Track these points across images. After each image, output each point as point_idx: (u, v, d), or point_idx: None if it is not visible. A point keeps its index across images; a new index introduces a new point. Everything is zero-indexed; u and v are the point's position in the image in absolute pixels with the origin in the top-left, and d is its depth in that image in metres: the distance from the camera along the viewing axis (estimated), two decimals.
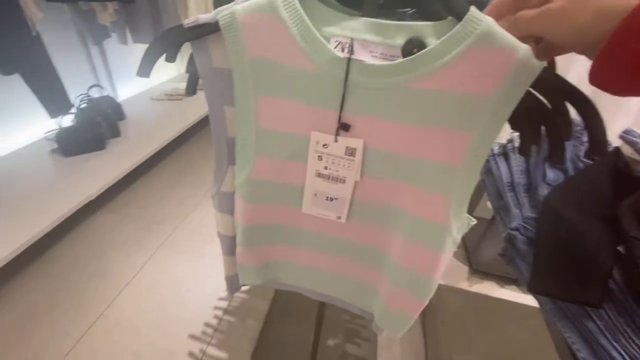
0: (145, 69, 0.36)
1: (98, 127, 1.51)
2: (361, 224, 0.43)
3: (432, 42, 0.31)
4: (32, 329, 1.01)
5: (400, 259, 0.42)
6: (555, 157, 0.33)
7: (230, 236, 0.50)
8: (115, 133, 1.63)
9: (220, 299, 1.14)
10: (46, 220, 1.15)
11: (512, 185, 0.77)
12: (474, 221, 0.42)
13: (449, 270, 1.47)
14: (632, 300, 0.49)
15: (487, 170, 0.84)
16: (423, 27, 0.32)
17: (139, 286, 1.17)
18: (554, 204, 0.62)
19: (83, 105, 1.55)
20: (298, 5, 0.32)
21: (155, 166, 1.79)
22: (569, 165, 0.69)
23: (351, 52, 0.32)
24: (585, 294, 0.52)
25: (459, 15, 0.29)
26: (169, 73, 2.47)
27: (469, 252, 1.39)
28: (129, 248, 1.30)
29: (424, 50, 0.30)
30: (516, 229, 0.67)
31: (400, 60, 0.31)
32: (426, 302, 0.46)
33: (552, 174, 0.73)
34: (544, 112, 0.32)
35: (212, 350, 0.99)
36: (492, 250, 1.47)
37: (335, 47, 0.33)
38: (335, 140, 0.36)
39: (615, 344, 0.48)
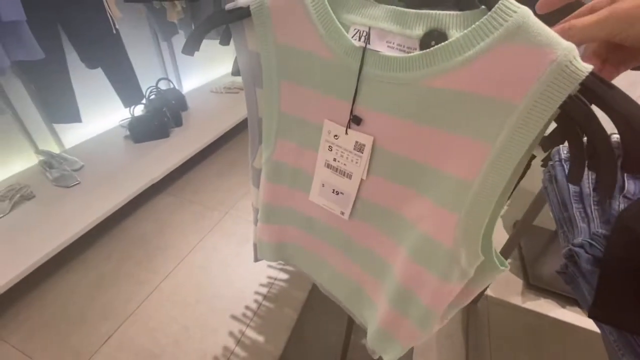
0: (190, 47, 0.38)
1: (163, 117, 1.65)
2: (363, 224, 0.41)
3: (455, 35, 0.27)
4: (101, 293, 1.16)
5: (400, 277, 0.39)
6: (573, 179, 0.27)
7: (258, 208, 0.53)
8: (178, 122, 1.77)
9: (261, 284, 1.19)
10: (118, 197, 1.30)
11: (581, 196, 0.68)
12: (506, 267, 0.35)
13: (500, 281, 1.37)
14: None
15: (551, 177, 0.76)
16: (447, 17, 0.27)
17: (192, 263, 1.27)
18: (631, 221, 0.54)
19: (152, 97, 1.70)
20: None
21: (211, 155, 1.91)
22: None
23: (367, 41, 0.30)
24: None
25: (490, 4, 0.25)
26: (227, 67, 2.61)
27: (526, 264, 1.27)
28: (185, 229, 1.42)
29: (442, 44, 0.27)
30: (581, 246, 0.60)
31: (417, 53, 0.28)
32: (423, 335, 0.41)
33: (632, 186, 0.64)
34: (591, 130, 0.25)
35: (250, 333, 1.04)
36: (554, 265, 1.33)
37: (353, 36, 0.31)
38: (346, 133, 0.36)
39: None
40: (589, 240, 0.60)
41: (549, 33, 0.23)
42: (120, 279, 1.20)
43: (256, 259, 0.63)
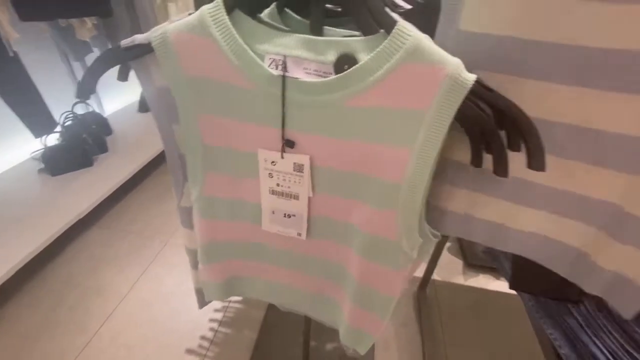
0: (84, 90, 0.36)
1: (84, 144, 1.50)
2: (321, 241, 0.43)
3: (363, 58, 0.31)
4: (29, 351, 1.01)
5: (358, 277, 0.43)
6: (498, 172, 0.33)
7: (195, 249, 0.50)
8: (103, 149, 1.62)
9: (215, 310, 1.13)
10: (37, 240, 1.14)
11: None
12: (438, 237, 0.42)
13: (443, 265, 1.47)
14: None
15: None
16: (354, 43, 0.31)
17: (134, 301, 1.16)
18: None
19: (68, 123, 1.54)
20: (229, 23, 0.31)
21: (144, 180, 1.78)
22: None
23: (285, 69, 0.32)
24: (564, 291, 0.52)
25: (388, 29, 0.29)
26: None
27: (464, 245, 1.39)
28: (123, 263, 1.30)
29: (355, 67, 0.30)
30: None
31: (333, 77, 0.31)
32: (386, 321, 0.46)
33: None
34: (484, 126, 0.32)
35: None
36: None
37: (270, 65, 0.33)
38: (282, 157, 0.37)
39: (595, 339, 0.49)
40: None
41: (440, 52, 0.29)
42: (51, 330, 1.06)
43: (202, 305, 0.60)
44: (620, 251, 0.37)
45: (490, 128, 0.31)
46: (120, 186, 1.48)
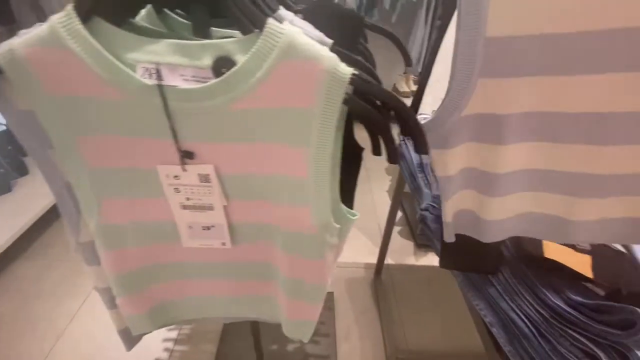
0: None
1: None
2: (247, 245, 0.43)
3: (241, 59, 0.30)
4: None
5: (287, 272, 0.43)
6: (391, 159, 0.34)
7: (108, 288, 0.46)
8: (23, 171, 1.45)
9: (169, 329, 1.08)
10: None
11: (422, 166, 0.80)
12: (356, 216, 0.43)
13: (396, 249, 1.51)
14: (522, 262, 0.53)
15: (402, 155, 0.87)
16: (229, 44, 0.31)
17: (76, 334, 1.07)
18: None
19: None
20: (85, 33, 0.28)
21: None
22: None
23: (159, 78, 0.30)
24: (483, 264, 0.56)
25: (262, 28, 0.29)
26: None
27: (412, 227, 1.45)
28: (59, 294, 1.19)
29: (233, 69, 0.30)
30: (426, 209, 0.70)
31: (213, 81, 0.30)
32: (321, 306, 0.48)
33: None
34: (370, 118, 0.33)
35: None
36: None
37: (143, 75, 0.31)
38: (184, 170, 0.35)
39: (512, 304, 0.53)
40: (432, 203, 0.71)
41: (315, 47, 0.29)
42: None
43: (131, 345, 0.55)
44: None
45: (375, 119, 0.32)
46: (46, 212, 1.34)
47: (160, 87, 0.30)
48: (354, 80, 0.29)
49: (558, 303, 0.46)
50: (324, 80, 0.29)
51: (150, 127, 0.33)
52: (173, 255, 0.43)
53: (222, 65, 0.30)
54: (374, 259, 1.26)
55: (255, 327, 0.76)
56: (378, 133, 0.33)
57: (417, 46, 1.81)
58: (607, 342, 0.42)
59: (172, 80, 0.31)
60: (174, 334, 1.06)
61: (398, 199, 1.05)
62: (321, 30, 0.44)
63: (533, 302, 0.50)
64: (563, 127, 0.37)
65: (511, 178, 0.42)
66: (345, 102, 0.30)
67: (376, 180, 1.76)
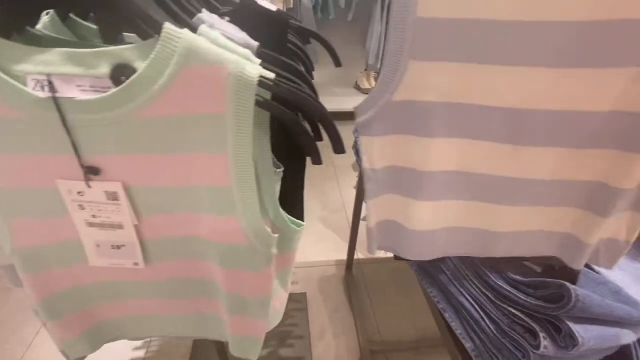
0: None
1: None
2: (169, 262, 0.41)
3: (141, 66, 0.29)
4: None
5: (224, 286, 0.42)
6: (313, 161, 0.34)
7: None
8: None
9: (136, 348, 1.04)
10: None
11: None
12: (301, 225, 0.43)
13: (365, 243, 1.53)
14: None
15: (357, 151, 0.87)
16: (126, 51, 0.29)
17: None
18: None
19: None
20: None
21: None
22: None
23: (53, 89, 0.28)
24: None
25: (159, 33, 0.28)
26: None
27: None
28: (13, 321, 1.11)
29: (132, 77, 0.28)
30: None
31: (113, 91, 0.29)
32: (266, 321, 0.46)
33: None
34: (285, 120, 0.32)
35: None
36: None
37: (35, 87, 0.29)
38: (89, 186, 0.33)
39: (461, 289, 0.55)
40: None
41: (217, 51, 0.28)
42: None
43: None
44: (604, 224, 0.40)
45: (291, 120, 0.32)
46: None
47: (55, 100, 0.28)
48: (263, 83, 0.29)
49: (499, 283, 0.48)
50: (231, 84, 0.28)
51: (50, 143, 0.31)
52: (97, 275, 0.41)
53: (120, 73, 0.29)
54: (344, 255, 1.27)
55: (194, 348, 0.73)
56: (297, 134, 0.33)
57: (374, 43, 1.83)
58: (542, 315, 0.44)
59: (67, 91, 0.29)
60: (141, 353, 1.02)
61: (362, 194, 1.06)
62: (249, 32, 0.43)
63: (479, 284, 0.52)
64: (483, 122, 0.37)
65: (436, 179, 0.41)
66: (259, 104, 0.30)
67: (343, 176, 1.78)
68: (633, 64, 0.31)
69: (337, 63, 0.51)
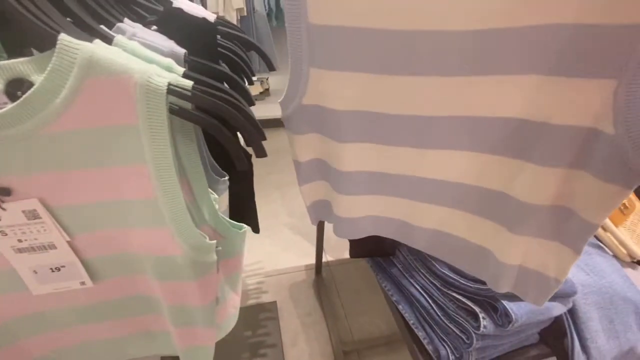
0: None
1: None
2: (111, 280, 0.40)
3: (38, 80, 0.28)
4: None
5: (165, 299, 0.41)
6: (238, 166, 0.34)
7: None
8: None
9: None
10: None
11: None
12: (243, 228, 0.43)
13: (332, 245, 1.52)
14: None
15: None
16: (22, 65, 0.28)
17: None
18: None
19: None
20: None
21: None
22: None
23: None
24: (383, 248, 0.60)
25: (51, 46, 0.27)
26: None
27: None
28: None
29: (29, 92, 0.27)
30: None
31: (9, 107, 0.28)
32: (214, 329, 0.46)
33: None
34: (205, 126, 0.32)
35: None
36: None
37: None
38: (3, 209, 0.32)
39: (411, 280, 0.56)
40: None
41: (121, 61, 0.28)
42: None
43: None
44: (519, 243, 0.37)
45: (212, 126, 0.32)
46: None
47: None
48: (173, 91, 0.29)
49: (444, 271, 0.51)
50: (139, 94, 0.28)
51: None
52: (36, 304, 0.39)
53: (16, 87, 0.28)
54: (314, 260, 1.27)
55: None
56: (222, 140, 0.33)
57: None
58: (482, 297, 0.47)
59: None
60: None
61: None
62: (178, 40, 0.43)
63: (427, 274, 0.54)
64: (391, 128, 0.36)
65: (354, 178, 0.42)
66: (174, 113, 0.30)
67: None
68: (532, 71, 0.29)
69: (271, 67, 0.51)
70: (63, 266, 0.36)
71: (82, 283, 0.38)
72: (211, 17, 0.59)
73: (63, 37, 0.27)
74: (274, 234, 1.46)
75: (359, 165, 0.41)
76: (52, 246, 0.35)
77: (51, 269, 0.36)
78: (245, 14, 1.67)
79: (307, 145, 0.42)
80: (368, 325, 1.12)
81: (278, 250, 1.37)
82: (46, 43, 0.27)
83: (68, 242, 0.35)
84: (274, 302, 1.19)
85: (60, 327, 0.42)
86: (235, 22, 1.65)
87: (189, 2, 0.62)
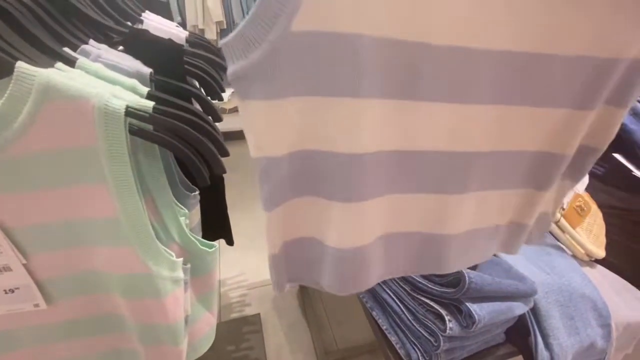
0: None
1: None
2: (72, 300, 0.40)
3: None
4: None
5: (133, 318, 0.41)
6: (198, 182, 0.35)
7: None
8: None
9: None
10: None
11: None
12: (213, 247, 0.45)
13: None
14: None
15: None
16: None
17: None
18: None
19: None
20: None
21: None
22: None
23: None
24: None
25: (10, 73, 0.28)
26: None
27: None
28: None
29: None
30: None
31: None
32: (182, 348, 0.46)
33: None
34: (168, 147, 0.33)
35: None
36: None
37: None
38: None
39: (384, 286, 0.58)
40: None
41: (78, 86, 0.29)
42: None
43: None
44: (544, 197, 0.38)
45: (171, 146, 0.33)
46: None
47: None
48: (132, 113, 0.30)
49: (413, 276, 0.52)
50: (97, 117, 0.29)
51: None
52: None
53: None
54: None
55: None
56: (183, 159, 0.34)
57: None
58: (447, 300, 0.49)
59: None
60: None
61: None
62: (144, 60, 0.44)
63: (398, 279, 0.55)
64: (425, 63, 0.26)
65: (368, 166, 0.29)
66: (135, 133, 0.31)
67: None
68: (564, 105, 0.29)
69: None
70: (17, 288, 0.37)
71: (36, 305, 0.38)
72: (181, 35, 0.61)
73: (20, 65, 0.28)
74: (258, 246, 1.45)
75: (382, 141, 0.29)
76: (8, 268, 0.35)
77: (5, 290, 0.36)
78: (225, 26, 1.69)
79: (289, 120, 0.27)
80: (352, 334, 1.13)
81: (260, 262, 1.37)
82: (4, 70, 0.28)
83: (24, 264, 0.35)
84: (258, 315, 1.18)
85: (19, 348, 0.42)
86: (215, 35, 1.67)
87: (161, 20, 0.64)
